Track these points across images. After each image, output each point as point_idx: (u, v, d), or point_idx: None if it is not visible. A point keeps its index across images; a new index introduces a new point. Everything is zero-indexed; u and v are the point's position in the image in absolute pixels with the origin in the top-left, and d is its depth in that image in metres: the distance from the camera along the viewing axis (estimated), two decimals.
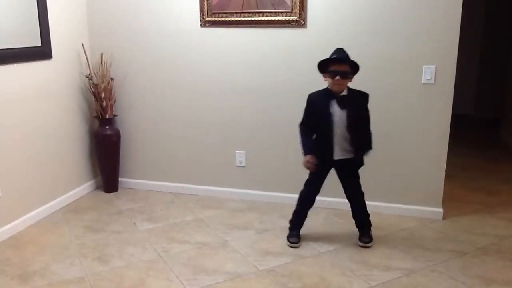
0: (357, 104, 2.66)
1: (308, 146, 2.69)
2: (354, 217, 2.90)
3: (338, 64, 2.55)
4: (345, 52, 2.60)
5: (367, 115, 2.72)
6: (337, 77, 2.54)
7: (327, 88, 2.66)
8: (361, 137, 2.68)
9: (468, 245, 2.83)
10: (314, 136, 2.72)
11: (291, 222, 2.89)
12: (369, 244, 2.81)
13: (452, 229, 3.06)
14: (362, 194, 2.83)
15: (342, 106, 2.60)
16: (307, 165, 2.69)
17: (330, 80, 2.59)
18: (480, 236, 2.95)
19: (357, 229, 2.89)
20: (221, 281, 2.44)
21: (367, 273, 2.51)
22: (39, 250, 2.78)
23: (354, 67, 2.58)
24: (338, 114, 2.60)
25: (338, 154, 2.67)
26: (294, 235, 2.84)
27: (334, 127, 2.61)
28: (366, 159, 3.25)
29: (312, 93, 2.70)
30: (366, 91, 2.71)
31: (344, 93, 2.62)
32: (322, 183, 2.76)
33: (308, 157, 2.67)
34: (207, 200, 3.56)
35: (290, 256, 2.70)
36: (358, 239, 2.84)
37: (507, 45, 5.86)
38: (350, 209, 3.20)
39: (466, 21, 3.14)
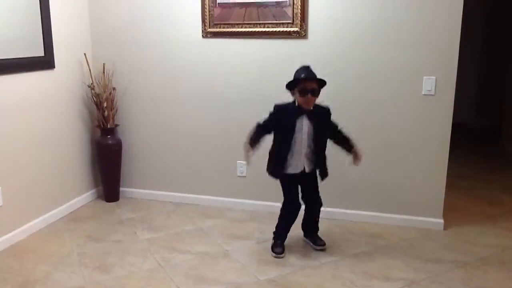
0: (323, 118, 2.73)
1: (255, 140, 2.72)
2: (309, 221, 2.96)
3: (308, 82, 2.61)
4: (312, 70, 2.65)
5: (333, 127, 2.78)
6: (308, 95, 2.60)
7: (294, 102, 2.70)
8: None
9: (469, 256, 2.83)
10: (270, 144, 2.80)
11: (275, 233, 2.90)
12: (325, 246, 2.89)
13: (453, 239, 3.06)
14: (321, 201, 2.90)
15: (310, 120, 2.66)
16: (246, 153, 2.74)
17: (300, 98, 2.63)
18: (481, 247, 2.95)
19: (308, 236, 2.98)
20: None
21: (368, 284, 2.51)
22: (40, 259, 2.78)
23: (321, 84, 2.65)
24: (306, 128, 2.67)
25: (306, 168, 2.74)
26: (279, 245, 2.85)
27: (303, 141, 2.68)
28: (368, 167, 3.26)
29: (279, 104, 2.72)
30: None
31: (311, 107, 2.68)
32: (298, 196, 2.82)
33: (249, 148, 2.72)
34: (208, 210, 3.56)
35: (290, 266, 2.70)
36: (313, 244, 2.92)
37: (506, 54, 5.88)
38: (348, 219, 3.22)
39: (465, 31, 3.15)
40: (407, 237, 3.09)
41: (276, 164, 2.76)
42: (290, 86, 2.67)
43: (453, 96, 3.03)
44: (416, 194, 3.21)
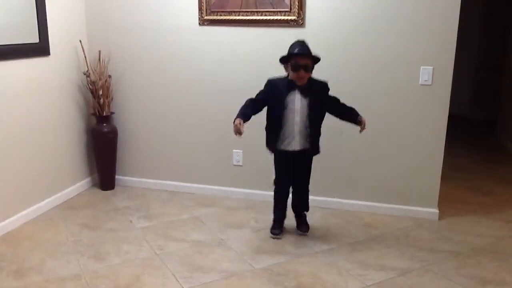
0: (319, 94, 2.67)
1: (243, 112, 2.63)
2: (295, 204, 2.96)
3: (300, 58, 2.57)
4: (306, 44, 2.61)
5: (332, 101, 2.72)
6: (301, 71, 2.57)
7: (287, 77, 2.67)
8: (344, 111, 2.73)
9: (463, 246, 2.85)
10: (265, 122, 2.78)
11: (274, 215, 2.95)
12: (307, 233, 2.90)
13: (447, 229, 3.08)
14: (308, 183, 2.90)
15: (304, 95, 2.62)
16: (235, 128, 2.56)
17: (293, 73, 2.60)
18: (475, 237, 2.97)
19: (295, 218, 2.99)
20: (217, 279, 2.44)
21: (362, 273, 2.52)
22: (35, 246, 2.78)
23: (314, 60, 2.61)
24: (300, 103, 2.62)
25: (299, 145, 2.70)
26: (276, 227, 2.91)
27: (296, 116, 2.63)
28: (364, 156, 3.26)
29: (272, 78, 2.70)
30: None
31: (304, 83, 2.63)
32: (287, 176, 2.83)
33: (238, 120, 2.57)
34: (204, 199, 3.56)
35: (285, 255, 2.70)
36: (296, 228, 2.95)
37: (504, 46, 5.87)
38: (344, 208, 3.20)
39: (463, 22, 3.14)
40: (402, 227, 3.10)
41: (271, 138, 2.75)
42: (283, 60, 2.64)
43: (450, 87, 3.03)
44: (412, 183, 3.22)
